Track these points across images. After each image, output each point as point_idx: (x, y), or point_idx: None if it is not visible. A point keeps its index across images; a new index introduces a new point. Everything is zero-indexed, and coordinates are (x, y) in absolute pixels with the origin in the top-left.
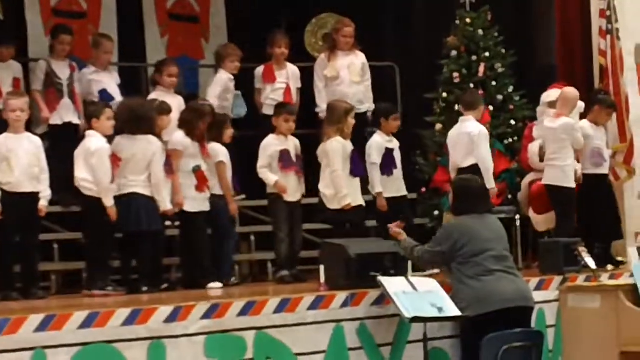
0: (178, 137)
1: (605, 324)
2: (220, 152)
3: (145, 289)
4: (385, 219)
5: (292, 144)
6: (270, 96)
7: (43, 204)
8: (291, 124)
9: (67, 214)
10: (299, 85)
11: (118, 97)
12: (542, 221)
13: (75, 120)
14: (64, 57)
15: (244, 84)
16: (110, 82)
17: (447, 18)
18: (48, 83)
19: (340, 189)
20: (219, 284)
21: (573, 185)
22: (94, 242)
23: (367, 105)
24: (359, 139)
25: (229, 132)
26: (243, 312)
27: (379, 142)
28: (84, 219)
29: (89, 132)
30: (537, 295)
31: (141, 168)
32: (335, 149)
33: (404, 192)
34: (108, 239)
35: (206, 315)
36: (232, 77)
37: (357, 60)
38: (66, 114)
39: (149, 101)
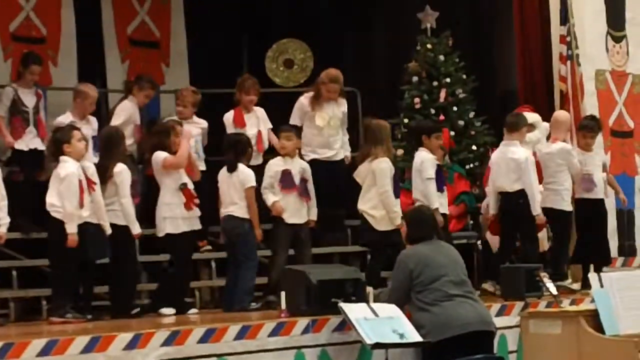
0: (160, 156)
1: (566, 349)
2: (250, 176)
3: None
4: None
5: (298, 166)
6: None
7: (2, 230)
8: (295, 141)
9: (26, 241)
10: (270, 126)
11: (90, 151)
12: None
13: (41, 146)
14: (31, 85)
15: (209, 109)
16: (87, 133)
17: (408, 43)
18: (14, 110)
19: (392, 208)
20: (171, 310)
21: (570, 208)
22: (56, 267)
23: (343, 152)
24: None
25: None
26: (203, 339)
27: (430, 158)
28: (49, 244)
29: (62, 158)
30: (499, 321)
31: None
32: (384, 169)
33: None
34: (71, 265)
35: (166, 343)
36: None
37: (339, 109)
38: (31, 140)
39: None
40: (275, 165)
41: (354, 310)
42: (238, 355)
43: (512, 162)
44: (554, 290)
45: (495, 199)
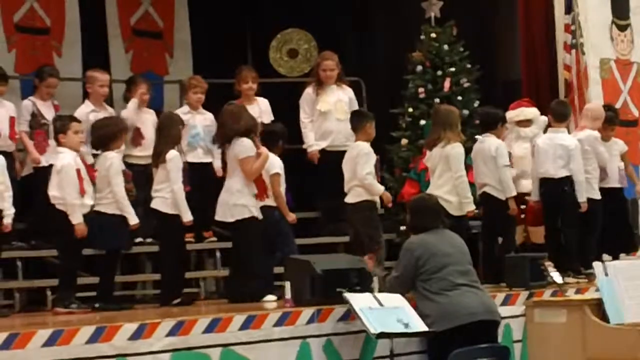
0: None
1: (571, 338)
2: (275, 163)
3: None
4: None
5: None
6: None
7: (7, 221)
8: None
9: (31, 231)
10: (272, 118)
11: None
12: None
13: None
14: (47, 98)
15: (213, 100)
16: None
17: (412, 33)
18: (35, 124)
19: (466, 194)
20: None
21: (598, 196)
22: (61, 258)
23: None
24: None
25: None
26: (209, 329)
27: (505, 145)
28: (54, 235)
29: (58, 149)
30: (504, 311)
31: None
32: (459, 154)
33: None
34: (75, 256)
35: (171, 333)
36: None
37: (345, 95)
38: (51, 156)
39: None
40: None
41: (358, 300)
42: (243, 345)
43: (561, 148)
44: (558, 279)
45: (537, 186)
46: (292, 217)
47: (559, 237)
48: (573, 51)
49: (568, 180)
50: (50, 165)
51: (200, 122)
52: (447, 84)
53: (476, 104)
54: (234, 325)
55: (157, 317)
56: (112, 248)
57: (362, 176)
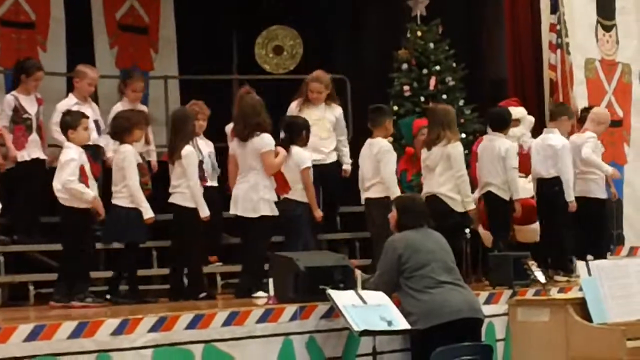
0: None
1: (554, 337)
2: (305, 157)
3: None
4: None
5: None
6: None
7: None
8: None
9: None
10: None
11: (94, 135)
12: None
13: (42, 155)
14: (31, 92)
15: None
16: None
17: (398, 31)
18: (16, 119)
19: (467, 192)
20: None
21: (605, 195)
22: (72, 253)
23: (336, 157)
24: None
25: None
26: (191, 325)
27: (516, 147)
28: (62, 229)
29: (65, 144)
30: (487, 309)
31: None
32: (460, 153)
33: None
34: (87, 249)
35: (154, 328)
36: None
37: (331, 114)
38: (33, 150)
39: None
40: None
41: (341, 298)
42: (225, 341)
43: (550, 148)
44: (542, 278)
45: (535, 186)
46: (319, 213)
47: (553, 235)
48: (558, 51)
49: (558, 180)
50: (33, 160)
51: (203, 148)
52: (432, 82)
53: (461, 102)
54: (216, 322)
55: (140, 313)
56: (130, 241)
57: (387, 175)
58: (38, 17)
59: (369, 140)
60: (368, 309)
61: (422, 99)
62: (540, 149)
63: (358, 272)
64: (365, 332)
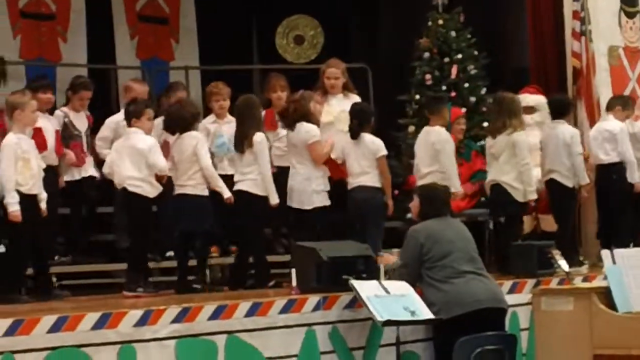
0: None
1: (578, 326)
2: (381, 145)
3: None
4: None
5: None
6: (275, 144)
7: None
8: None
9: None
10: None
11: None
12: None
13: (95, 173)
14: (80, 110)
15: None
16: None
17: (419, 20)
18: (67, 135)
19: (531, 182)
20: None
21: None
22: (130, 241)
23: None
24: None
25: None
26: (214, 316)
27: (579, 134)
28: (128, 220)
29: (132, 129)
30: (511, 299)
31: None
32: (524, 142)
33: None
34: (144, 239)
35: (177, 319)
36: None
37: (349, 106)
38: (84, 169)
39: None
40: None
41: (364, 288)
42: (249, 332)
43: (607, 132)
44: (565, 267)
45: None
46: (391, 204)
47: (609, 222)
48: (582, 38)
49: (617, 167)
50: (89, 177)
51: (227, 131)
52: (454, 70)
53: (483, 91)
54: (239, 312)
55: (163, 304)
56: (199, 229)
57: (448, 166)
58: (58, 9)
59: (426, 128)
60: (391, 299)
61: (444, 87)
62: (597, 134)
63: (384, 261)
64: (389, 322)
